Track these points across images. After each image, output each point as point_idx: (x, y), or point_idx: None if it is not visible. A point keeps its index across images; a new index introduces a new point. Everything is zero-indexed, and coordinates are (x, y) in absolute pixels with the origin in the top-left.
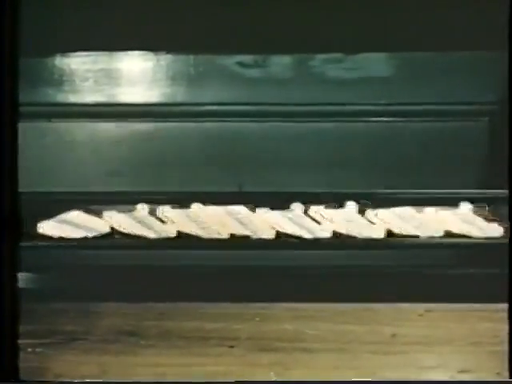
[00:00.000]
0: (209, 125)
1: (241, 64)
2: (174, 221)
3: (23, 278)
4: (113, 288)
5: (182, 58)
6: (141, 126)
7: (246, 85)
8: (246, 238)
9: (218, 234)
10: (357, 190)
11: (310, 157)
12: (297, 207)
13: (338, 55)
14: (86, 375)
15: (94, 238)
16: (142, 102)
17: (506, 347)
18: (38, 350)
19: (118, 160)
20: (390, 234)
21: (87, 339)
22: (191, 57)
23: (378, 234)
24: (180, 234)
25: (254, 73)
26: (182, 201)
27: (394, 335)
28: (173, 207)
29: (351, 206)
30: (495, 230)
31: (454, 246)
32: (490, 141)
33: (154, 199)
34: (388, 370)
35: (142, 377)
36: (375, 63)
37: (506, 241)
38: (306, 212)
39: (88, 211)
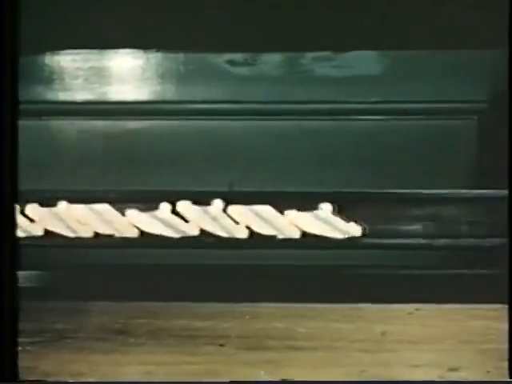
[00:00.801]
0: (199, 123)
1: (231, 62)
2: (36, 219)
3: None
4: (102, 287)
5: (172, 56)
6: (130, 123)
7: (235, 83)
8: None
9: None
10: (347, 189)
11: (300, 155)
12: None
13: (328, 53)
14: (75, 373)
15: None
16: (132, 100)
17: (495, 345)
18: (27, 348)
19: (107, 158)
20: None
21: (77, 337)
22: (181, 55)
23: (242, 234)
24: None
25: (243, 71)
26: (172, 199)
27: (383, 333)
28: (40, 205)
29: (217, 204)
30: (355, 230)
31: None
32: (479, 139)
33: (143, 198)
34: (377, 368)
35: (131, 375)
36: (365, 61)
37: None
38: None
39: None
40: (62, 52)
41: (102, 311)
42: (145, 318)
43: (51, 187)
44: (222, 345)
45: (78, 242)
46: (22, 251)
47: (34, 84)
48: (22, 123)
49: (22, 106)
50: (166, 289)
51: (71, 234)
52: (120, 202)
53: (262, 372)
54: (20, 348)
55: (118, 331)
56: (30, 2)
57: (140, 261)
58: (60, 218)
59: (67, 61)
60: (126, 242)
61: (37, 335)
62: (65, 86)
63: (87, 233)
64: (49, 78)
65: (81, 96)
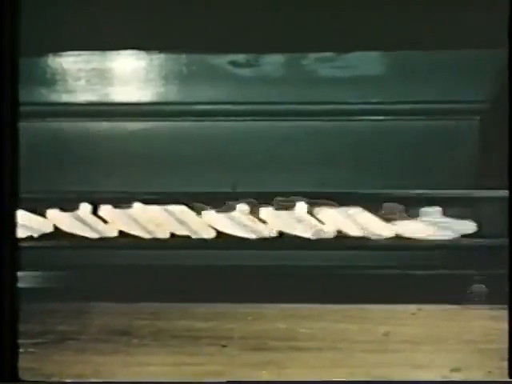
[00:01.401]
0: (201, 124)
1: (233, 63)
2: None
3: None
4: (105, 288)
5: (174, 57)
6: (133, 125)
7: (238, 84)
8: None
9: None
10: (347, 190)
11: (303, 156)
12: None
13: (330, 54)
14: (79, 375)
15: (85, 238)
16: (135, 102)
17: (497, 345)
18: (29, 349)
19: (111, 159)
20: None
21: (79, 339)
22: (184, 56)
23: (328, 233)
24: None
25: (246, 72)
26: (172, 200)
27: (386, 334)
28: (115, 206)
29: (302, 206)
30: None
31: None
32: (481, 140)
33: (145, 199)
34: (381, 369)
35: (134, 376)
36: (367, 62)
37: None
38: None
39: (33, 211)
40: (63, 53)
41: (104, 312)
42: (148, 319)
43: (52, 189)
44: (224, 345)
45: (75, 243)
46: (24, 252)
47: (36, 85)
48: (25, 125)
49: (25, 108)
50: (168, 290)
51: (147, 236)
52: (122, 203)
53: (264, 372)
54: (22, 350)
55: (122, 332)
56: (31, 2)
57: (142, 262)
58: (134, 219)
59: (69, 62)
60: (132, 243)
61: (39, 337)
62: (67, 87)
63: (164, 234)
64: (51, 80)
65: (83, 97)
